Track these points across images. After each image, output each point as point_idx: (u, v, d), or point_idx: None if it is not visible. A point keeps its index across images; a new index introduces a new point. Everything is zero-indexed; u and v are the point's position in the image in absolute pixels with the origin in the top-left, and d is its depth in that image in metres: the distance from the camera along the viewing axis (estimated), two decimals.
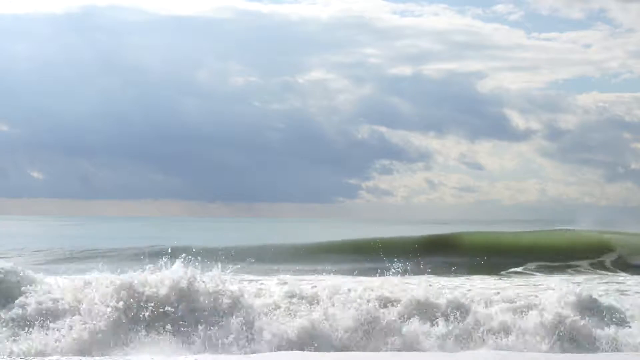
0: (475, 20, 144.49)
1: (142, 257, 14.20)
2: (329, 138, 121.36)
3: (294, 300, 13.00)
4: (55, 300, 12.18)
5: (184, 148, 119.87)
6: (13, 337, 11.49)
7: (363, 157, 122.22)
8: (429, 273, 20.52)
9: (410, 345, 12.13)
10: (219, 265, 12.94)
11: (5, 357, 11.00)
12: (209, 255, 13.21)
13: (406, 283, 13.75)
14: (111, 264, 14.07)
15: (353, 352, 11.84)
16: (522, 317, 12.77)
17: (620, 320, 12.90)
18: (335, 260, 25.01)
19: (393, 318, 12.57)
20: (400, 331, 12.35)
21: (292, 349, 11.80)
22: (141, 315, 11.88)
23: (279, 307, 12.78)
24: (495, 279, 21.61)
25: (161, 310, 12.00)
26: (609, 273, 24.30)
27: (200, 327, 11.83)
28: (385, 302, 12.90)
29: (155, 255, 13.76)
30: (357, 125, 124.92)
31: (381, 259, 23.95)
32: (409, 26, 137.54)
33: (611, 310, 13.13)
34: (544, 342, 12.25)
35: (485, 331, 12.48)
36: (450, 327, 12.47)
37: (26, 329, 11.65)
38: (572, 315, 12.64)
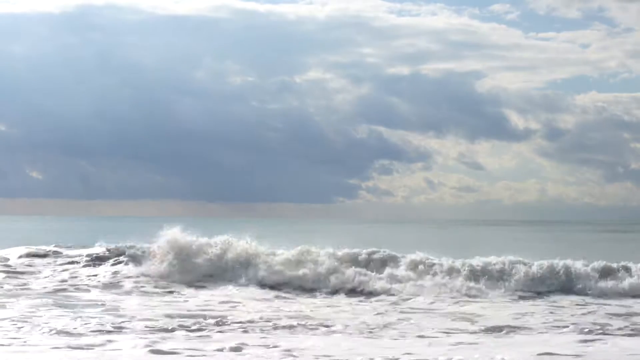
0: (473, 20, 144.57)
1: None
2: (327, 138, 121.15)
3: None
4: None
5: (183, 148, 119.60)
6: None
7: (362, 157, 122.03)
8: None
9: None
10: None
11: None
12: None
13: None
14: None
15: None
16: None
17: None
18: None
19: None
20: None
21: None
22: None
23: None
24: None
25: None
26: None
27: None
28: None
29: None
30: (355, 125, 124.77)
31: None
32: (407, 25, 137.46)
33: None
34: None
35: None
36: None
37: None
38: None
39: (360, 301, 18.17)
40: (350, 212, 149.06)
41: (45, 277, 20.96)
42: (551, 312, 16.34)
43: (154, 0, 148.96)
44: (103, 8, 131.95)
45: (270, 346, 11.82)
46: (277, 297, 18.67)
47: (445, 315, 15.77)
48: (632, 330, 14.05)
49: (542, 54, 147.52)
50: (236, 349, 11.53)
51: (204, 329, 13.34)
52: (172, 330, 13.15)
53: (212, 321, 14.13)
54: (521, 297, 18.87)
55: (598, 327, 14.20)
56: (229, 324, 13.89)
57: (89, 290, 19.30)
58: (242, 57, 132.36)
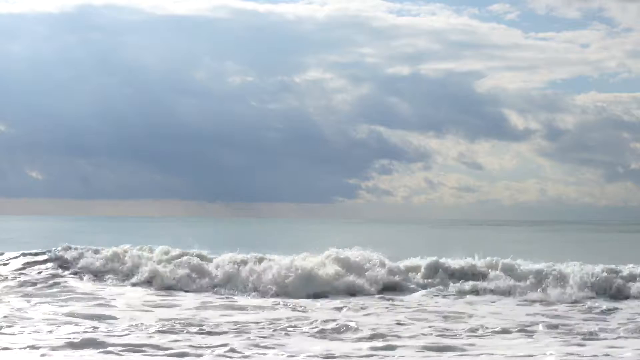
0: (472, 20, 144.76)
1: None
2: (327, 138, 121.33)
3: None
4: None
5: (183, 148, 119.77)
6: None
7: (362, 157, 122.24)
8: None
9: None
10: None
11: None
12: None
13: None
14: None
15: None
16: None
17: None
18: None
19: None
20: None
21: None
22: None
23: None
24: None
25: None
26: None
27: None
28: None
29: None
30: (355, 125, 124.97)
31: None
32: (406, 25, 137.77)
33: None
34: None
35: None
36: None
37: None
38: None
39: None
40: (350, 212, 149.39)
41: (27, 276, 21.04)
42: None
43: (154, 0, 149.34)
44: (103, 8, 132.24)
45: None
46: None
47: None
48: (630, 331, 14.01)
49: (542, 54, 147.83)
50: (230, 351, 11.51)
51: (202, 332, 13.33)
52: (170, 331, 13.14)
53: (211, 323, 14.15)
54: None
55: (596, 328, 14.21)
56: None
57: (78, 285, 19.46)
58: (242, 57, 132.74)
